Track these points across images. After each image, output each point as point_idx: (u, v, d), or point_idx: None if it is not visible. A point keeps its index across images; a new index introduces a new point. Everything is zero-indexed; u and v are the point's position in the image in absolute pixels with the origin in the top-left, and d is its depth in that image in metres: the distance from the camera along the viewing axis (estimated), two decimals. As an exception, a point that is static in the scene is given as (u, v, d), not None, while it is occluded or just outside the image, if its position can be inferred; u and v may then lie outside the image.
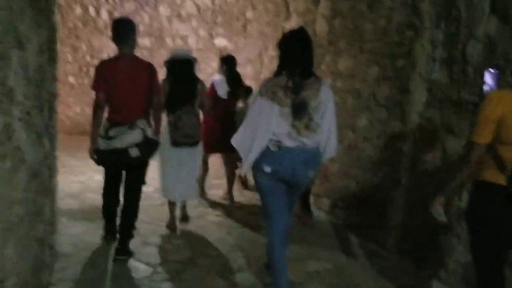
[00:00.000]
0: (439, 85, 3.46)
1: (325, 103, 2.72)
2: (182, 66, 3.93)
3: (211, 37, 7.44)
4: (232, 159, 4.97)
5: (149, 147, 3.30)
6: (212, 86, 4.70)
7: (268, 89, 2.67)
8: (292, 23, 5.56)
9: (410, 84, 3.73)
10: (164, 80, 3.91)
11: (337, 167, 4.72)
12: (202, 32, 7.59)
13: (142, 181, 3.54)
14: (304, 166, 2.71)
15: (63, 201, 4.65)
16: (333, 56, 4.82)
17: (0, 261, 1.62)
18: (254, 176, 2.82)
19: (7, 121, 1.68)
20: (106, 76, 3.37)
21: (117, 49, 3.44)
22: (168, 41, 8.21)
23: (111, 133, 3.24)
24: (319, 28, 5.03)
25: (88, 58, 9.13)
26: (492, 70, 2.60)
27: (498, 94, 2.09)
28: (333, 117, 2.80)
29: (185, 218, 4.36)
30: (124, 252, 3.42)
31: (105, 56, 8.70)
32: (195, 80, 4.00)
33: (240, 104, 5.24)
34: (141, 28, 8.62)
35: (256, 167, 2.74)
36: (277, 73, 2.76)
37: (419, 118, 3.64)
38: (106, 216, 3.72)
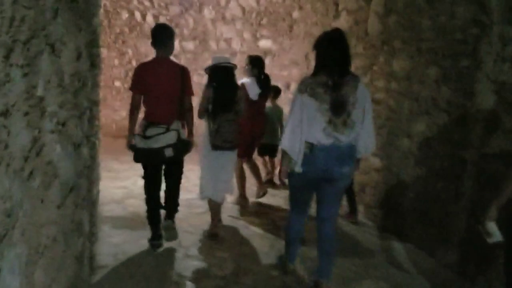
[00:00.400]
0: (509, 87, 3.09)
1: (361, 100, 2.81)
2: (223, 73, 3.94)
3: (256, 39, 7.23)
4: (252, 162, 5.08)
5: (182, 147, 3.56)
6: (244, 89, 4.48)
7: (307, 87, 2.76)
8: (342, 22, 5.28)
9: (475, 87, 3.37)
10: (206, 86, 3.96)
11: (390, 176, 4.40)
12: (246, 34, 7.40)
13: (180, 173, 3.83)
14: (339, 162, 2.79)
15: (106, 207, 4.60)
16: (387, 56, 4.50)
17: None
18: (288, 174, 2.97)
19: (35, 135, 1.53)
20: (143, 79, 3.53)
21: (156, 53, 3.63)
22: (212, 44, 8.08)
23: (148, 133, 3.46)
24: (372, 27, 4.72)
25: (134, 62, 9.16)
26: None
27: None
28: (371, 114, 2.90)
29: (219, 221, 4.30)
30: (171, 219, 3.80)
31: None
32: (236, 87, 4.05)
33: (268, 104, 5.30)
34: (185, 32, 8.56)
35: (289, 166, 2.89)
36: (315, 72, 2.85)
37: (485, 123, 3.28)
38: (151, 220, 3.72)
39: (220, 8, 7.65)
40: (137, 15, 9.07)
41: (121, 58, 9.88)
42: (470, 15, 3.41)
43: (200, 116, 3.94)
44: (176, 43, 9.07)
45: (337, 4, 5.42)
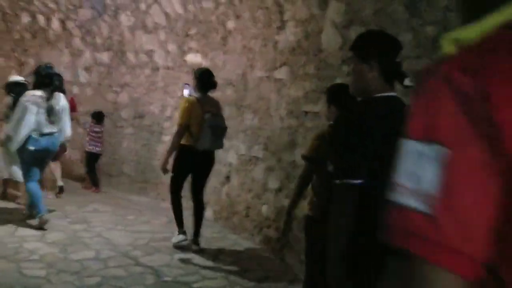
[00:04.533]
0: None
1: (63, 107, 4.73)
2: (20, 87, 5.23)
3: (182, 52, 5.99)
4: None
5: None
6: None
7: (30, 97, 4.51)
8: (288, 35, 4.22)
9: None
10: (8, 97, 5.35)
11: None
12: (171, 46, 6.13)
13: None
14: (53, 145, 4.70)
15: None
16: (347, 79, 3.46)
17: None
18: (21, 153, 4.58)
19: None
20: None
21: None
22: (130, 56, 6.73)
23: None
24: (327, 41, 3.68)
25: (36, 75, 7.56)
26: (188, 85, 4.79)
27: (191, 98, 4.28)
28: (68, 115, 4.85)
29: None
30: None
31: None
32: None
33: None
34: (98, 40, 7.18)
35: (24, 147, 4.51)
36: (34, 88, 4.68)
37: None
38: None
39: (139, 13, 6.34)
40: (40, 18, 7.52)
41: (21, 69, 8.25)
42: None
43: (4, 118, 5.25)
44: (87, 54, 7.66)
45: (282, 13, 4.35)
